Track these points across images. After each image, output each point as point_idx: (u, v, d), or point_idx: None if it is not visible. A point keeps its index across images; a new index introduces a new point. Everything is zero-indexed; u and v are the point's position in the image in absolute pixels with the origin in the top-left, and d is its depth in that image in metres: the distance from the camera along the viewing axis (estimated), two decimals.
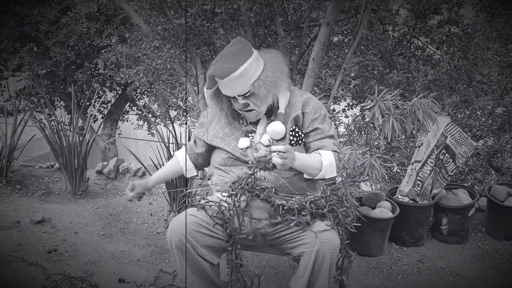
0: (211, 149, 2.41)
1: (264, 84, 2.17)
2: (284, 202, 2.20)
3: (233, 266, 2.24)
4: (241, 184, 2.17)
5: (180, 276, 2.23)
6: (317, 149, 2.28)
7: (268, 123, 2.27)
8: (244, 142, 2.28)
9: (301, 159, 2.18)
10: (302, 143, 2.29)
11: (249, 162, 2.24)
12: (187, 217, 2.21)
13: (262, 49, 2.32)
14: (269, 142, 2.24)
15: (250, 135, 2.30)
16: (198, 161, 2.52)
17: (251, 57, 2.16)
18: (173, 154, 2.62)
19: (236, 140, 2.30)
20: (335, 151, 2.29)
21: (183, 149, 2.55)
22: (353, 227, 2.34)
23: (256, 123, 2.32)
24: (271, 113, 2.29)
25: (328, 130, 2.31)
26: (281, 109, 2.27)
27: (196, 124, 2.80)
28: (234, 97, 2.22)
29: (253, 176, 2.18)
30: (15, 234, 3.35)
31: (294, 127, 2.26)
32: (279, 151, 2.05)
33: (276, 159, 2.06)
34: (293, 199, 2.23)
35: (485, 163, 6.06)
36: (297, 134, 2.26)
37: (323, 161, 2.23)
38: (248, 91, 2.17)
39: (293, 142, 2.25)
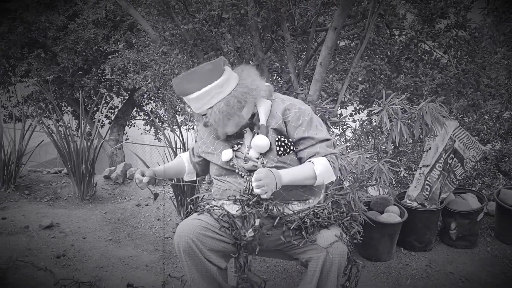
0: (207, 160, 2.43)
1: (219, 111, 2.12)
2: (281, 210, 2.20)
3: (240, 270, 2.25)
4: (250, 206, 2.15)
5: (189, 280, 2.23)
6: (311, 157, 2.22)
7: (253, 137, 2.24)
8: (227, 154, 2.27)
9: (290, 175, 2.15)
10: (292, 151, 2.23)
11: (238, 172, 2.25)
12: (194, 221, 2.22)
13: (234, 66, 2.29)
14: (258, 155, 2.22)
15: (236, 146, 2.28)
16: (197, 169, 2.54)
17: (221, 78, 2.12)
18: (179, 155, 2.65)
19: (221, 153, 2.30)
20: (330, 154, 2.22)
21: (187, 152, 2.59)
22: (359, 238, 2.31)
23: (241, 135, 2.29)
24: (254, 125, 2.26)
25: (316, 134, 2.23)
26: (262, 121, 2.22)
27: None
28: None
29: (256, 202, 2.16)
30: (23, 239, 3.36)
31: (279, 136, 2.21)
32: (255, 182, 2.04)
33: (256, 190, 2.05)
34: (294, 208, 2.24)
35: (493, 167, 6.02)
36: (283, 144, 2.21)
37: (316, 169, 2.17)
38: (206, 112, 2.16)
39: (280, 152, 2.21)
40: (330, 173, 2.21)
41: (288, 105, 2.24)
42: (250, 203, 2.13)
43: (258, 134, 2.22)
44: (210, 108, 2.13)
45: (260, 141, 2.18)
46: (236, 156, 2.26)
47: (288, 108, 2.23)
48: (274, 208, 2.17)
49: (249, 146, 2.25)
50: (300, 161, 2.26)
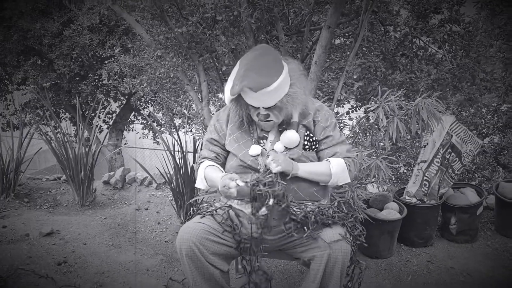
0: (227, 152, 2.39)
1: (292, 101, 2.17)
2: (294, 211, 2.20)
3: (248, 269, 2.25)
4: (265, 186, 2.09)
5: (190, 284, 2.23)
6: (329, 157, 2.29)
7: (280, 131, 2.27)
8: (255, 149, 2.27)
9: (307, 167, 2.22)
10: (315, 149, 2.30)
11: (260, 170, 2.23)
12: (196, 224, 2.22)
13: (282, 57, 2.26)
14: (284, 149, 2.25)
15: (262, 141, 2.30)
16: (220, 161, 2.41)
17: (284, 70, 2.12)
18: (199, 166, 2.43)
19: (246, 146, 2.29)
20: (348, 157, 2.30)
21: (204, 162, 2.42)
22: (363, 240, 2.31)
23: (267, 130, 2.32)
24: (284, 121, 2.28)
25: (339, 137, 2.33)
26: (295, 118, 2.28)
27: (204, 130, 2.79)
28: (255, 107, 2.19)
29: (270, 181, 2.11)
30: (24, 247, 3.36)
31: (308, 132, 2.29)
32: (273, 159, 2.09)
33: (270, 162, 2.09)
34: (302, 207, 2.23)
35: (492, 161, 6.03)
36: (311, 140, 2.29)
37: (332, 168, 2.25)
38: (274, 105, 2.16)
39: (306, 147, 2.28)
40: (346, 175, 2.28)
41: (318, 106, 2.35)
42: (265, 182, 2.08)
43: (287, 129, 2.26)
44: (285, 95, 2.14)
45: (291, 135, 2.23)
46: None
47: (318, 109, 2.33)
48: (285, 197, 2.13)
49: (273, 142, 2.28)
50: (319, 160, 2.33)
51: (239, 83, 2.07)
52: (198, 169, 2.41)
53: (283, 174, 2.16)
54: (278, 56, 2.16)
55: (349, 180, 2.30)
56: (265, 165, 2.19)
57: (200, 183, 2.39)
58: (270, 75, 2.07)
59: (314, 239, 2.16)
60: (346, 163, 2.28)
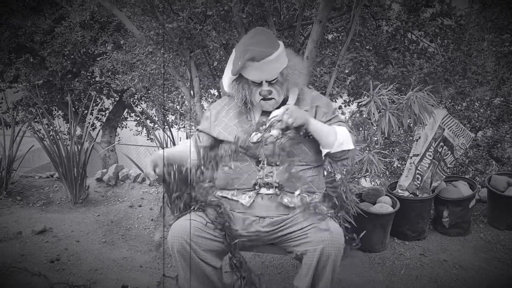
0: (216, 143, 2.38)
1: (292, 72, 2.23)
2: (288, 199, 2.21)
3: (235, 267, 2.24)
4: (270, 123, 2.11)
5: (182, 281, 2.23)
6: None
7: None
8: (256, 136, 2.25)
9: (316, 122, 2.20)
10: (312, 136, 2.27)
11: (260, 159, 2.23)
12: (188, 221, 2.21)
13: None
14: (280, 134, 2.16)
15: (261, 127, 2.27)
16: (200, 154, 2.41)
17: (281, 45, 2.22)
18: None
19: (244, 133, 2.27)
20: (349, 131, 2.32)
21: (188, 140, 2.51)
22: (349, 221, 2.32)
23: (266, 116, 2.27)
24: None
25: (341, 119, 2.38)
26: (290, 102, 2.30)
27: (194, 125, 2.78)
28: (257, 84, 2.22)
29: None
30: (17, 245, 3.35)
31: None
32: (286, 110, 2.07)
33: (286, 118, 2.06)
34: (295, 195, 2.23)
35: (485, 154, 6.06)
36: None
37: (338, 130, 2.25)
38: (275, 78, 2.21)
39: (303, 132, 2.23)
40: (349, 140, 2.27)
41: (316, 95, 2.41)
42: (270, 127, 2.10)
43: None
44: (285, 68, 2.22)
45: (275, 111, 2.16)
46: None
47: (317, 97, 2.39)
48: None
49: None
50: None
51: (241, 57, 2.13)
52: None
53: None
54: (273, 35, 2.28)
55: (353, 147, 2.27)
56: (267, 123, 2.16)
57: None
58: (270, 47, 2.16)
59: (306, 233, 2.16)
60: (349, 132, 2.29)
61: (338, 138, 2.23)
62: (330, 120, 2.33)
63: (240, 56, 2.15)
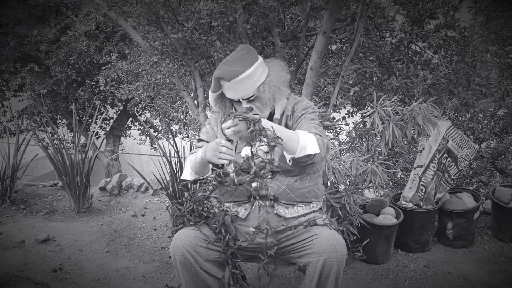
0: None
1: (268, 88, 2.20)
2: (285, 211, 2.21)
3: (235, 278, 2.24)
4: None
5: None
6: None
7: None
8: (246, 150, 2.25)
9: (275, 126, 2.02)
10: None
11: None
12: (190, 231, 2.21)
13: (266, 59, 2.32)
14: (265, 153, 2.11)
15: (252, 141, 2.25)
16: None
17: (257, 61, 2.20)
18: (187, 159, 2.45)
19: (237, 148, 2.27)
20: (320, 135, 2.14)
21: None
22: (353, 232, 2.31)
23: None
24: (269, 119, 2.25)
25: (314, 121, 2.23)
26: (277, 115, 2.28)
27: (198, 134, 2.77)
28: (238, 101, 2.23)
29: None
30: (20, 254, 3.35)
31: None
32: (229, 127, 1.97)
33: (231, 136, 2.00)
34: (298, 210, 2.23)
35: (489, 166, 6.03)
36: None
37: (300, 134, 2.07)
38: (253, 95, 2.19)
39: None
40: (314, 143, 2.08)
41: (298, 101, 2.34)
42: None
43: None
44: (261, 84, 2.19)
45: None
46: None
47: (297, 103, 2.33)
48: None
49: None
50: None
51: (213, 77, 2.19)
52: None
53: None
54: (253, 51, 2.24)
55: (319, 150, 2.08)
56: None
57: (187, 175, 2.33)
58: (241, 66, 2.15)
59: (309, 245, 2.15)
60: (316, 138, 2.10)
61: (301, 142, 2.05)
62: (297, 120, 2.26)
63: (213, 77, 2.20)
